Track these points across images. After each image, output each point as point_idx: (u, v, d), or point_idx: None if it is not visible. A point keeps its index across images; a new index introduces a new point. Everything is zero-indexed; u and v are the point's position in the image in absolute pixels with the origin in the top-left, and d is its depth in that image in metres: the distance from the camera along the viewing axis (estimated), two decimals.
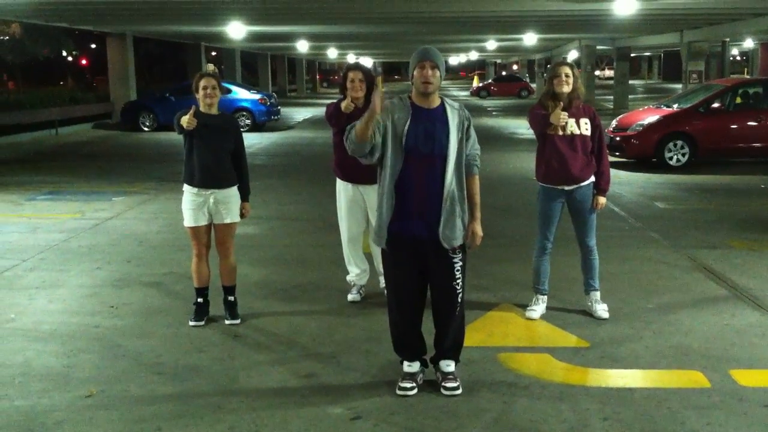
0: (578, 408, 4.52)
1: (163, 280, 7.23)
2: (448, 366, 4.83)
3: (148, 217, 10.37)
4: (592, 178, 6.08)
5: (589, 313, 6.17)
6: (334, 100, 6.41)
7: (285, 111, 31.18)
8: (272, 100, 26.46)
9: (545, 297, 6.26)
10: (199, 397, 4.71)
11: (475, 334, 5.75)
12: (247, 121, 24.51)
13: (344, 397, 4.68)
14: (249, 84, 33.03)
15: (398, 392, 4.72)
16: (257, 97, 25.48)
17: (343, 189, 6.43)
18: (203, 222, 5.91)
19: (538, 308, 6.18)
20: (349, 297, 6.62)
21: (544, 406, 4.56)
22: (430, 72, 4.47)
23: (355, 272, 6.59)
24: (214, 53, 55.14)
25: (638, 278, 6.96)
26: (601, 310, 6.15)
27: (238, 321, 6.03)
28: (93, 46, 54.70)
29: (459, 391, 4.71)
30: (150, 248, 8.53)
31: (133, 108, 25.53)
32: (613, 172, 6.24)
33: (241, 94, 25.28)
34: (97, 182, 13.58)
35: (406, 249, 4.60)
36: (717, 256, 7.99)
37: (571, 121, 5.92)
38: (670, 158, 14.75)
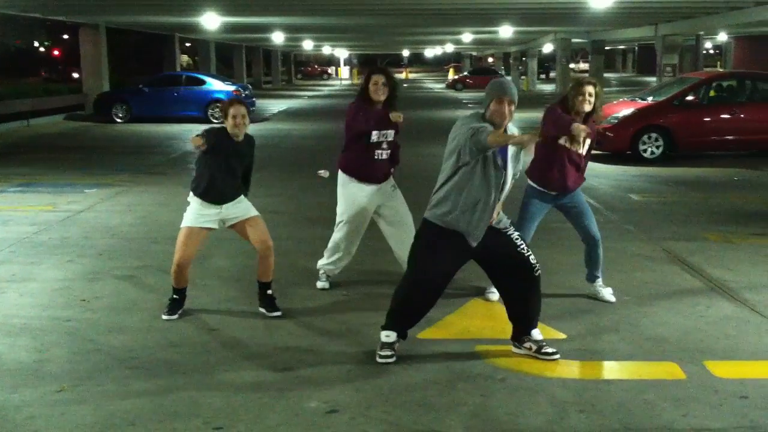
0: (555, 400, 4.52)
1: (137, 274, 7.15)
2: (539, 334, 5.20)
3: (121, 209, 10.26)
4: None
5: (566, 305, 6.19)
6: (351, 101, 6.41)
7: (260, 103, 31.06)
8: (247, 92, 26.36)
9: None
10: (174, 391, 4.65)
11: (452, 327, 5.74)
12: None
13: (320, 390, 4.65)
14: (224, 75, 32.84)
15: (379, 360, 4.98)
16: (232, 88, 25.34)
17: (357, 189, 6.39)
18: (204, 226, 5.84)
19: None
20: (319, 284, 6.64)
21: (521, 398, 4.55)
22: (506, 109, 4.81)
23: (335, 260, 6.58)
24: (188, 44, 54.82)
25: (614, 270, 6.98)
26: (608, 294, 6.34)
27: (279, 313, 5.97)
28: (66, 37, 54.16)
29: (557, 356, 5.07)
30: (123, 241, 8.44)
31: (106, 99, 25.29)
32: (588, 164, 6.28)
33: (216, 85, 25.16)
34: (70, 174, 13.42)
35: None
36: (692, 248, 8.03)
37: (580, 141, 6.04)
38: (645, 151, 14.82)
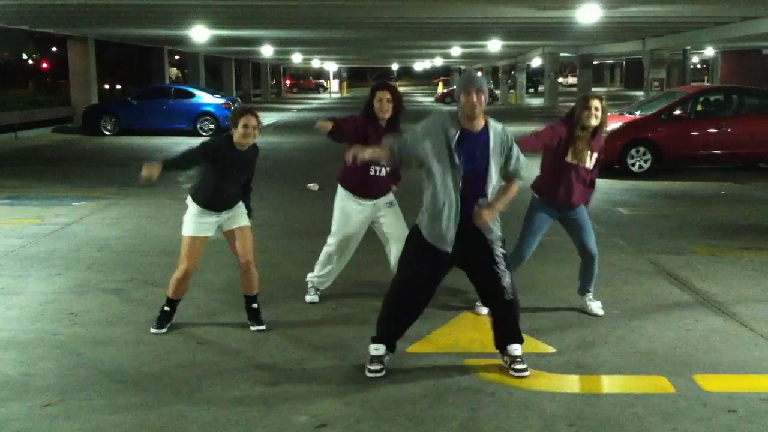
0: (544, 414, 4.51)
1: (125, 287, 7.12)
2: (516, 350, 5.12)
3: (109, 222, 10.22)
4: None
5: (555, 319, 6.19)
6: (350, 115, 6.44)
7: None
8: (236, 105, 26.34)
9: None
10: (161, 405, 4.63)
11: (442, 341, 5.73)
12: (211, 126, 24.52)
13: (309, 404, 4.63)
14: (213, 88, 32.86)
15: (368, 374, 4.98)
16: (221, 101, 25.40)
17: (353, 204, 6.35)
18: (206, 234, 5.83)
19: None
20: (308, 298, 6.62)
21: (510, 412, 4.54)
22: (475, 98, 4.77)
23: (325, 273, 6.56)
24: (177, 57, 54.80)
25: (603, 284, 6.98)
26: (596, 307, 6.35)
27: (263, 327, 5.95)
28: (54, 49, 54.07)
29: (527, 373, 5.00)
30: (111, 254, 8.40)
31: (94, 112, 25.27)
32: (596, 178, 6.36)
33: (205, 98, 25.20)
34: (58, 187, 13.37)
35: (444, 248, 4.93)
36: (680, 262, 8.05)
37: (588, 153, 6.07)
38: (633, 164, 14.87)
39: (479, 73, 4.97)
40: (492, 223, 4.95)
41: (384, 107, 6.09)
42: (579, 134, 6.00)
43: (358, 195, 6.33)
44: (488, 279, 5.03)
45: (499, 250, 5.00)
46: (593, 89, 41.66)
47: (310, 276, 6.66)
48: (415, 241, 5.05)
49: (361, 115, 6.25)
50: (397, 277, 5.15)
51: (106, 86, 52.72)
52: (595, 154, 6.13)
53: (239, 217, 5.92)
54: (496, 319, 5.18)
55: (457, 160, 4.80)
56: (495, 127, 4.94)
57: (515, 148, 5.01)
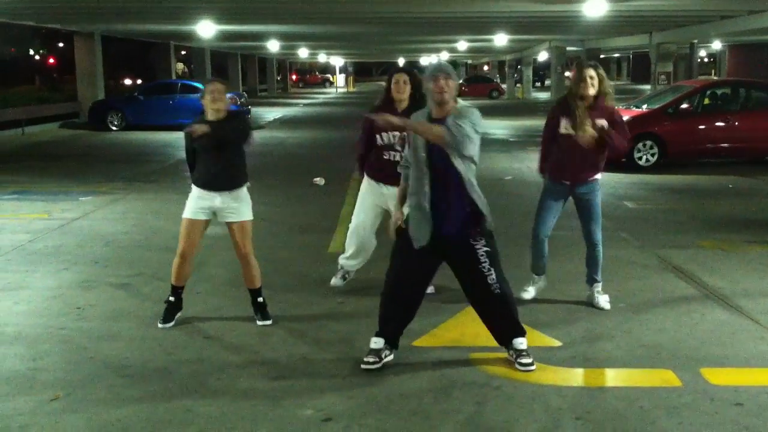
0: (550, 408, 4.51)
1: (131, 282, 7.13)
2: (521, 344, 5.09)
3: (116, 217, 10.24)
4: (598, 176, 6.29)
5: (561, 313, 6.19)
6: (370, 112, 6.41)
7: (255, 111, 31.05)
8: (242, 100, 26.38)
9: (538, 278, 6.56)
10: (168, 400, 4.64)
11: (447, 334, 5.73)
12: None
13: (315, 399, 4.63)
14: None
15: (362, 366, 5.00)
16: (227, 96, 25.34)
17: (369, 187, 6.54)
18: (202, 217, 5.85)
19: (531, 289, 6.50)
20: (332, 281, 6.78)
21: (516, 406, 4.54)
22: (443, 83, 4.75)
23: (349, 256, 6.71)
24: (183, 52, 54.83)
25: (609, 278, 6.96)
26: (604, 301, 6.32)
27: (270, 322, 5.96)
28: (61, 45, 54.15)
29: (533, 367, 4.98)
30: (118, 249, 8.42)
31: (101, 107, 25.30)
32: (609, 150, 6.27)
33: None
34: (64, 182, 13.39)
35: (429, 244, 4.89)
36: (687, 255, 8.03)
37: (588, 122, 5.95)
38: (640, 158, 14.83)
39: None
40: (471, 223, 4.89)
41: (400, 88, 6.18)
42: (578, 104, 5.95)
43: (373, 178, 6.47)
44: (474, 278, 4.99)
45: (482, 249, 4.93)
46: None
47: (340, 257, 6.79)
48: (404, 234, 5.05)
49: (379, 104, 6.35)
50: (388, 271, 5.16)
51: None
52: (603, 122, 5.96)
53: (240, 210, 5.90)
54: (488, 315, 5.14)
55: (424, 153, 4.81)
56: (457, 110, 4.80)
57: (466, 129, 4.70)
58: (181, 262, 5.89)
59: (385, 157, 6.31)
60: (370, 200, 6.53)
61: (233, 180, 5.87)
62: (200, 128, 5.62)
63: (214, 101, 5.76)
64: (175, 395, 4.70)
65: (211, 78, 6.08)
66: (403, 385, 4.83)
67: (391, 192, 6.25)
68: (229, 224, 5.92)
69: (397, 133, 6.18)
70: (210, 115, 5.78)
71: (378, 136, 6.29)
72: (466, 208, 4.88)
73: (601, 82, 5.92)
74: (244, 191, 5.93)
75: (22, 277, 7.27)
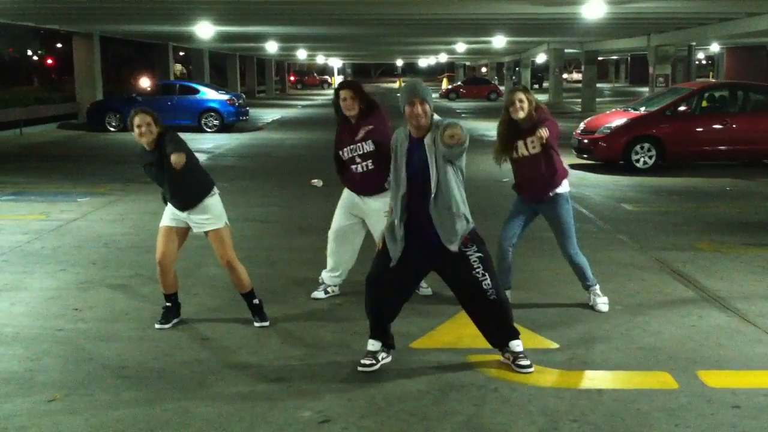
0: (548, 410, 4.52)
1: (129, 283, 7.13)
2: (518, 346, 5.10)
3: (114, 218, 10.24)
4: (562, 188, 6.18)
5: (558, 315, 6.19)
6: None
7: (254, 112, 31.04)
8: (240, 101, 26.38)
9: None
10: (166, 401, 4.64)
11: (445, 337, 5.73)
12: (216, 122, 24.59)
13: (313, 400, 4.64)
14: (217, 84, 32.85)
15: (358, 368, 5.02)
16: (225, 97, 25.42)
17: (345, 195, 6.56)
18: (172, 225, 5.85)
19: None
20: (313, 294, 6.68)
21: (513, 408, 4.55)
22: (419, 109, 4.77)
23: (329, 269, 6.66)
24: (182, 53, 54.82)
25: (606, 280, 6.98)
26: (601, 303, 6.34)
27: (267, 323, 5.95)
28: (59, 45, 54.11)
29: (531, 369, 4.99)
30: (116, 250, 8.42)
31: (99, 108, 25.29)
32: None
33: (210, 94, 25.20)
34: (62, 183, 13.39)
35: (414, 251, 4.94)
36: (684, 258, 8.04)
37: (520, 144, 6.08)
38: (638, 161, 14.85)
39: (423, 83, 4.88)
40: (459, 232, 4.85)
41: (348, 105, 6.21)
42: (501, 131, 6.19)
43: (348, 188, 6.51)
44: (468, 285, 4.97)
45: (475, 255, 4.93)
46: (598, 85, 41.63)
47: (323, 271, 6.74)
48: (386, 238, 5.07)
49: (338, 120, 6.43)
50: (368, 274, 5.17)
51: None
52: (535, 139, 5.97)
53: (211, 220, 5.80)
54: (483, 321, 5.12)
55: (404, 170, 4.88)
56: (435, 125, 4.81)
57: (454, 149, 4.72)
58: (160, 270, 5.88)
59: (353, 169, 6.34)
60: (344, 209, 6.55)
61: (192, 197, 5.77)
62: (179, 159, 5.30)
63: (141, 135, 5.53)
64: (172, 396, 4.70)
65: (135, 108, 5.71)
66: (401, 387, 4.83)
67: (365, 201, 6.35)
68: (206, 233, 5.89)
69: (360, 144, 6.22)
70: (146, 146, 5.66)
71: (340, 152, 6.37)
72: (452, 219, 4.83)
73: (529, 103, 6.02)
74: (209, 201, 5.81)
75: (20, 278, 7.27)
